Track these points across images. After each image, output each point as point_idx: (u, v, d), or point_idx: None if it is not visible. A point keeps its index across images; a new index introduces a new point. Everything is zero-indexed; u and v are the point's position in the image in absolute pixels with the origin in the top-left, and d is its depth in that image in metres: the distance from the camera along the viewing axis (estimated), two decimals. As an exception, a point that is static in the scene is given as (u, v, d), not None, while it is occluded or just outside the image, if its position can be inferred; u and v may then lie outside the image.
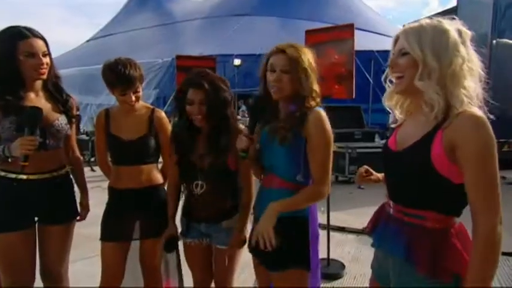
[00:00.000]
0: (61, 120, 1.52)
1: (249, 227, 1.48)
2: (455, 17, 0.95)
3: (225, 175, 1.44)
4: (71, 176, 1.66)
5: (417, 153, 0.92)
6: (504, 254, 2.79)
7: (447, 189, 0.90)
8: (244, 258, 1.49)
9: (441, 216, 0.92)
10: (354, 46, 5.42)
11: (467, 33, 0.93)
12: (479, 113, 0.87)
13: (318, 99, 1.25)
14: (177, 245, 1.59)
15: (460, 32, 0.93)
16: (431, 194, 0.92)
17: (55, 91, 1.54)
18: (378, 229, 1.07)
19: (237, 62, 11.16)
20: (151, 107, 1.69)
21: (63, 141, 1.58)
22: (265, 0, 16.34)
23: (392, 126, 1.10)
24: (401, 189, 0.99)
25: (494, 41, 6.18)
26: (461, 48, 0.91)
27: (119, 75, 1.50)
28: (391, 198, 1.04)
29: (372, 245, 1.10)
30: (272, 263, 1.24)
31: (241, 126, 1.47)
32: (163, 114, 1.68)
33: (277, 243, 1.14)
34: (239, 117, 8.40)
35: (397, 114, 1.07)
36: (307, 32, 6.41)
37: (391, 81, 1.04)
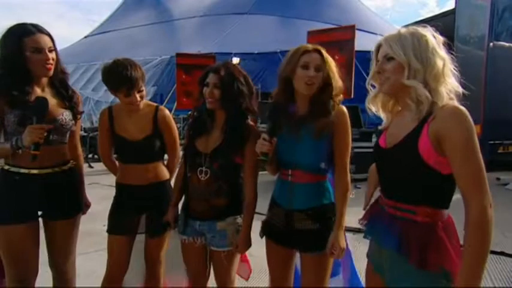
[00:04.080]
0: (65, 115, 1.52)
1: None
2: (426, 25, 1.04)
3: (227, 162, 1.43)
4: (76, 172, 1.65)
5: (406, 148, 0.98)
6: (497, 253, 2.86)
7: (436, 180, 0.95)
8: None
9: (431, 209, 0.98)
10: (354, 47, 5.46)
11: (440, 38, 1.02)
12: (459, 106, 0.94)
13: (342, 96, 1.35)
14: (166, 231, 1.61)
15: (434, 37, 1.01)
16: (421, 187, 0.98)
17: (61, 87, 1.54)
18: (371, 222, 1.14)
19: (235, 60, 11.15)
20: (155, 105, 1.68)
21: (67, 137, 1.57)
22: (263, -1, 16.35)
23: (380, 128, 1.16)
24: (393, 184, 1.05)
25: (491, 44, 6.23)
26: (439, 50, 1.00)
27: (121, 78, 1.49)
28: (384, 194, 1.09)
29: (365, 236, 1.17)
30: (312, 245, 1.33)
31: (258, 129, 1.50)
32: (167, 112, 1.67)
33: (316, 227, 1.31)
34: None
35: (383, 116, 1.15)
36: (310, 33, 6.44)
37: (373, 86, 1.11)
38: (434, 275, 0.94)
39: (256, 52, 12.35)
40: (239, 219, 1.48)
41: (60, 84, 1.55)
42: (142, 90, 1.59)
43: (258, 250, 1.54)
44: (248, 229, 1.46)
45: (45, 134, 1.35)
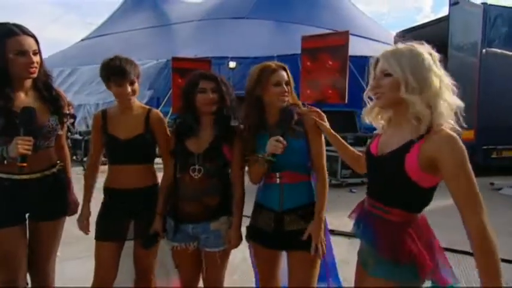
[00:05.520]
0: (52, 121, 1.51)
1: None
2: (423, 42, 1.09)
3: (219, 161, 1.49)
4: (63, 173, 1.65)
5: (393, 161, 1.06)
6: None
7: (413, 191, 1.04)
8: (236, 259, 1.51)
9: (404, 212, 1.07)
10: (348, 52, 5.51)
11: (436, 55, 1.06)
12: (452, 132, 1.00)
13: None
14: (157, 243, 1.59)
15: (430, 54, 1.06)
16: (400, 194, 1.07)
17: (45, 90, 1.51)
18: (357, 220, 1.24)
19: (232, 64, 11.20)
20: (148, 107, 1.70)
21: (54, 141, 1.57)
22: (261, 4, 16.45)
23: (375, 132, 1.23)
24: (376, 187, 1.16)
25: (484, 50, 6.32)
26: (435, 68, 1.04)
27: (114, 67, 1.52)
28: (367, 193, 1.20)
29: (355, 234, 1.26)
30: (302, 244, 1.38)
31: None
32: (159, 113, 1.69)
33: (305, 227, 1.38)
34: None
35: (378, 125, 1.22)
36: (303, 38, 6.49)
37: (370, 98, 1.17)
38: (403, 268, 1.03)
39: (253, 56, 12.40)
40: (231, 218, 1.52)
41: (44, 87, 1.51)
42: (135, 83, 1.58)
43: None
44: (239, 224, 1.52)
45: (31, 146, 1.32)
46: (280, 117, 1.40)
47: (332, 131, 1.45)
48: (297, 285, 1.40)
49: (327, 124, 1.45)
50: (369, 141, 1.25)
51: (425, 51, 1.05)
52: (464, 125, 1.02)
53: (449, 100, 1.03)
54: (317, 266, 1.41)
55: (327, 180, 1.45)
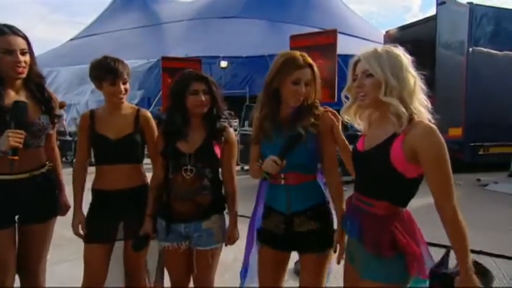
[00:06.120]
0: (42, 119, 1.50)
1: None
2: (397, 45, 1.15)
3: (211, 160, 1.51)
4: (52, 174, 1.63)
5: (379, 152, 1.10)
6: (475, 252, 2.86)
7: (399, 182, 1.09)
8: (227, 259, 1.51)
9: (389, 205, 1.11)
10: (336, 51, 5.54)
11: (409, 58, 1.13)
12: (431, 124, 1.07)
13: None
14: (147, 245, 1.58)
15: (404, 56, 1.12)
16: (385, 186, 1.11)
17: (37, 90, 1.51)
18: (345, 215, 1.28)
19: (223, 64, 11.15)
20: (137, 107, 1.71)
21: (44, 140, 1.56)
22: (252, 3, 16.43)
23: (359, 133, 1.29)
24: (363, 181, 1.20)
25: (470, 49, 6.44)
26: (410, 69, 1.11)
27: (108, 67, 1.53)
28: (355, 188, 1.23)
29: (343, 227, 1.30)
30: (314, 246, 1.37)
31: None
32: (148, 114, 1.69)
33: (317, 227, 1.36)
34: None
35: (358, 124, 1.26)
36: (292, 37, 6.51)
37: (347, 97, 1.23)
38: (389, 261, 1.07)
39: (244, 56, 12.38)
40: (223, 216, 1.56)
41: (36, 88, 1.51)
42: (127, 83, 1.59)
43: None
44: (235, 221, 1.56)
45: (22, 139, 1.32)
46: (287, 141, 1.30)
47: (341, 131, 1.43)
48: (307, 285, 1.39)
49: (339, 125, 1.42)
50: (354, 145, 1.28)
51: (401, 52, 1.12)
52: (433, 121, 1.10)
53: (421, 99, 1.11)
54: (327, 267, 1.41)
55: (341, 181, 1.41)
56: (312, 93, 1.37)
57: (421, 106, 1.10)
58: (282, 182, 1.38)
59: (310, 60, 1.36)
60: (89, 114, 1.65)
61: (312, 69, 1.35)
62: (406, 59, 1.11)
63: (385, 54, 1.10)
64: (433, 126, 1.06)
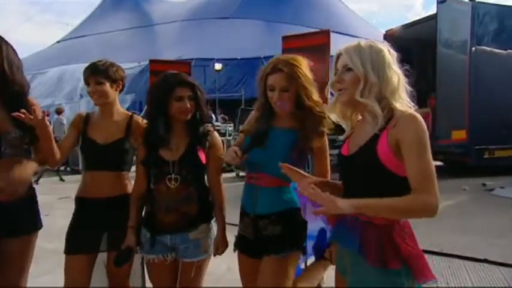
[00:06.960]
0: (17, 133, 1.44)
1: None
2: (384, 41, 1.12)
3: (196, 167, 1.47)
4: (33, 186, 1.58)
5: (365, 152, 1.05)
6: (480, 260, 2.74)
7: (393, 183, 1.02)
8: (219, 270, 1.50)
9: None
10: (329, 52, 5.31)
11: (394, 54, 1.09)
12: (414, 113, 1.03)
13: (322, 106, 1.37)
14: (131, 258, 1.51)
15: (389, 52, 1.08)
16: (379, 189, 1.02)
17: (13, 99, 1.44)
18: (336, 226, 1.20)
19: (218, 66, 10.90)
20: (130, 113, 1.70)
21: (23, 152, 1.50)
22: (247, 3, 16.23)
23: (342, 138, 1.21)
24: (353, 189, 1.11)
25: (473, 48, 6.25)
26: (394, 66, 1.07)
27: (95, 66, 1.54)
28: (344, 197, 1.15)
29: (330, 241, 1.28)
30: (275, 248, 1.35)
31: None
32: (140, 119, 1.65)
33: (279, 231, 1.34)
34: (218, 123, 8.10)
35: (344, 124, 1.20)
36: (284, 38, 6.28)
37: (332, 94, 1.18)
38: (393, 274, 1.00)
39: (239, 57, 12.16)
40: (211, 225, 1.51)
41: (12, 97, 1.45)
42: (103, 84, 1.55)
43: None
44: (224, 229, 1.51)
45: None
46: (254, 138, 1.33)
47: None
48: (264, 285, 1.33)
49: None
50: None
51: (386, 48, 1.08)
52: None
53: (404, 99, 1.07)
54: (290, 273, 1.36)
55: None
56: (291, 100, 1.34)
57: (404, 105, 1.06)
58: (254, 181, 1.37)
59: (287, 60, 1.33)
60: (84, 116, 1.66)
61: (288, 72, 1.31)
62: (390, 55, 1.07)
63: (367, 49, 1.06)
64: (416, 114, 1.02)
